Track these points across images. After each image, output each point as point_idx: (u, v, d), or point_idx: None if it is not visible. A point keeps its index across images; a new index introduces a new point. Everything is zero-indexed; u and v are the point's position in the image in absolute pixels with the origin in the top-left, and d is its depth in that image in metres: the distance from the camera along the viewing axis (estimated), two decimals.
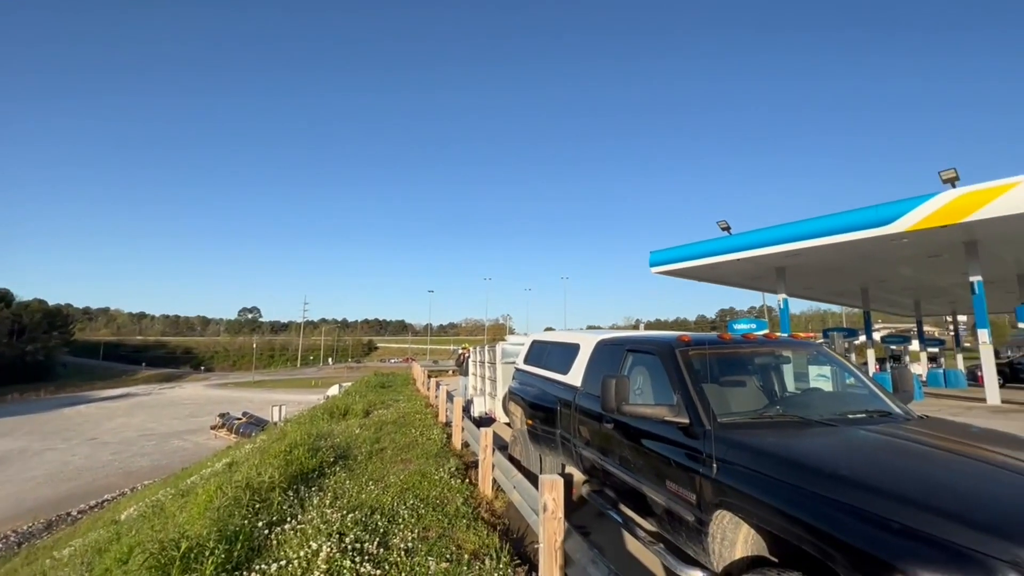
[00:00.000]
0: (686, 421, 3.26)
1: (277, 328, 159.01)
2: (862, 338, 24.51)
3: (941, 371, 21.31)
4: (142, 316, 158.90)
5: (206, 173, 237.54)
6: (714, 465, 2.89)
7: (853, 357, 21.93)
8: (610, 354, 4.73)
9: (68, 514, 20.04)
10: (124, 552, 4.99)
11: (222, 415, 37.75)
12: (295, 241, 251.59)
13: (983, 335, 13.59)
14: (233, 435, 32.77)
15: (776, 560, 2.71)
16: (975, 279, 13.86)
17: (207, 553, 3.51)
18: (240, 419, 35.92)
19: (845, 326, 36.20)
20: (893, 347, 23.01)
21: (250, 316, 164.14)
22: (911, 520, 1.98)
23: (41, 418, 46.82)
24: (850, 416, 3.29)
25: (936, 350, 24.30)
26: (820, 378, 4.27)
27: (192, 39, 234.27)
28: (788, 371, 4.11)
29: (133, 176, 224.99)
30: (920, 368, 23.19)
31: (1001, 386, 16.78)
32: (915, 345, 25.34)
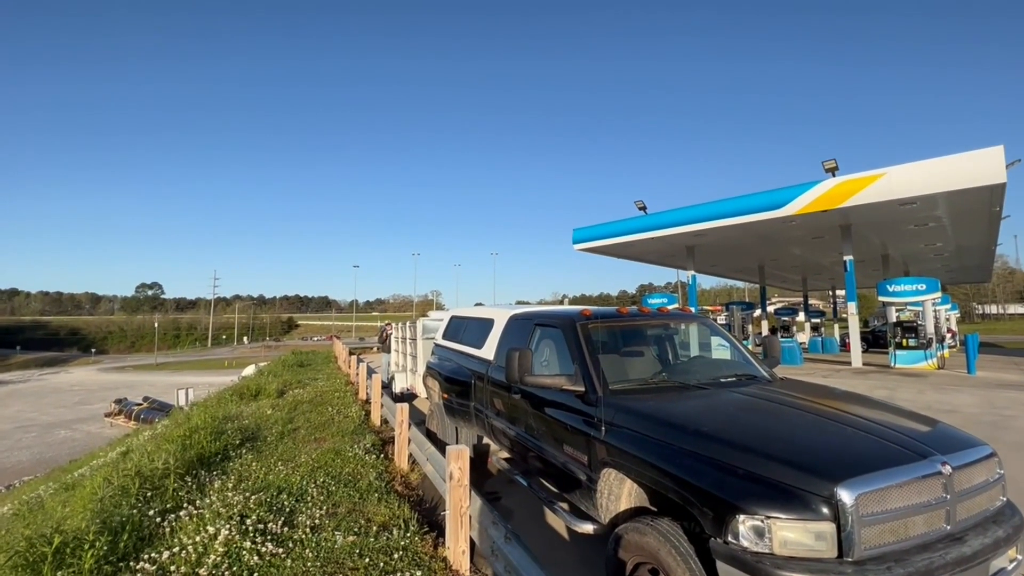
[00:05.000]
0: (582, 389, 3.50)
1: (183, 306, 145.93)
2: (759, 311, 27.14)
3: (820, 339, 24.19)
4: (14, 293, 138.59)
5: (88, 135, 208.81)
6: (603, 428, 3.15)
7: (750, 327, 24.28)
8: (520, 328, 4.91)
9: None
10: None
11: (118, 401, 34.23)
12: (202, 211, 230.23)
13: (851, 307, 15.60)
14: (132, 422, 29.89)
15: (655, 510, 3.03)
16: (847, 258, 15.78)
17: (86, 546, 3.27)
18: (140, 404, 32.81)
19: (747, 300, 39.81)
20: (784, 318, 25.77)
21: (150, 293, 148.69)
22: (751, 465, 2.30)
23: None
24: (722, 380, 3.70)
25: (818, 321, 27.51)
26: (702, 347, 4.73)
27: None
28: (676, 341, 4.51)
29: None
30: (804, 336, 26.15)
31: (865, 351, 19.44)
32: (801, 317, 28.46)
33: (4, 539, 4.76)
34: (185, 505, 4.25)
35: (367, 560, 3.37)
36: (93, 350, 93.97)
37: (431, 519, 4.40)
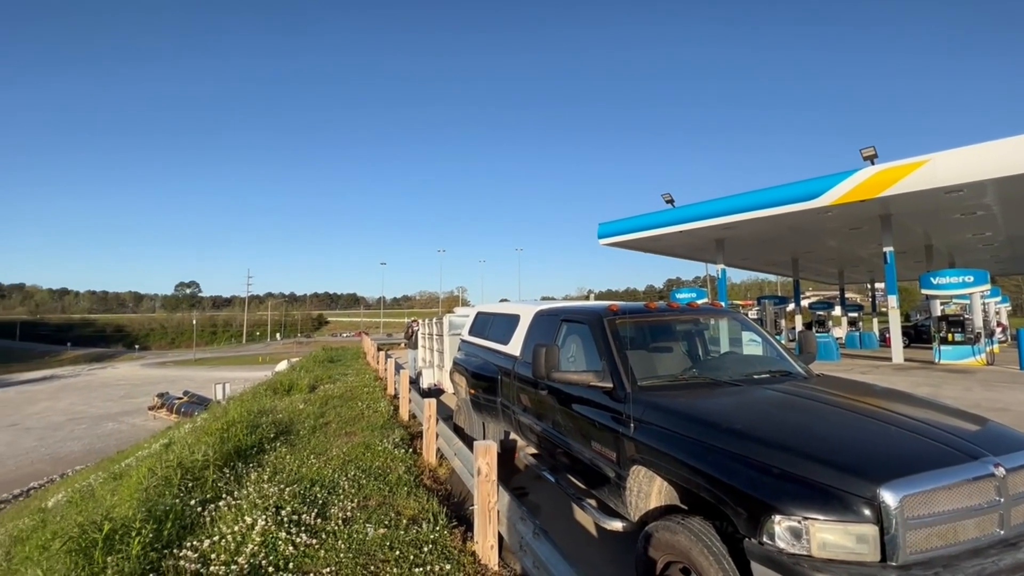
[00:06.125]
0: (610, 385, 3.45)
1: (219, 303, 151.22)
2: (792, 305, 26.32)
3: (858, 334, 23.28)
4: (64, 292, 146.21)
5: (129, 137, 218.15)
6: (632, 425, 3.11)
7: (783, 322, 23.56)
8: (547, 324, 4.89)
9: None
10: (47, 539, 4.78)
11: (161, 395, 35.87)
12: (236, 212, 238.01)
13: (892, 301, 14.95)
14: (174, 415, 31.27)
15: (686, 508, 2.98)
16: (887, 249, 15.12)
17: (133, 533, 3.43)
18: (181, 398, 34.29)
19: (779, 294, 38.60)
20: (819, 313, 24.91)
21: (188, 291, 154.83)
22: (788, 465, 2.23)
23: None
24: (755, 376, 3.59)
25: (856, 315, 26.49)
26: (733, 342, 4.60)
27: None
28: (706, 336, 4.41)
29: (46, 141, 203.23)
30: (841, 331, 25.22)
31: (906, 346, 18.65)
32: (838, 311, 27.44)
33: (60, 525, 5.05)
34: (224, 496, 4.42)
35: (397, 553, 3.43)
36: (136, 346, 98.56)
37: (459, 513, 4.44)
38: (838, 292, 34.07)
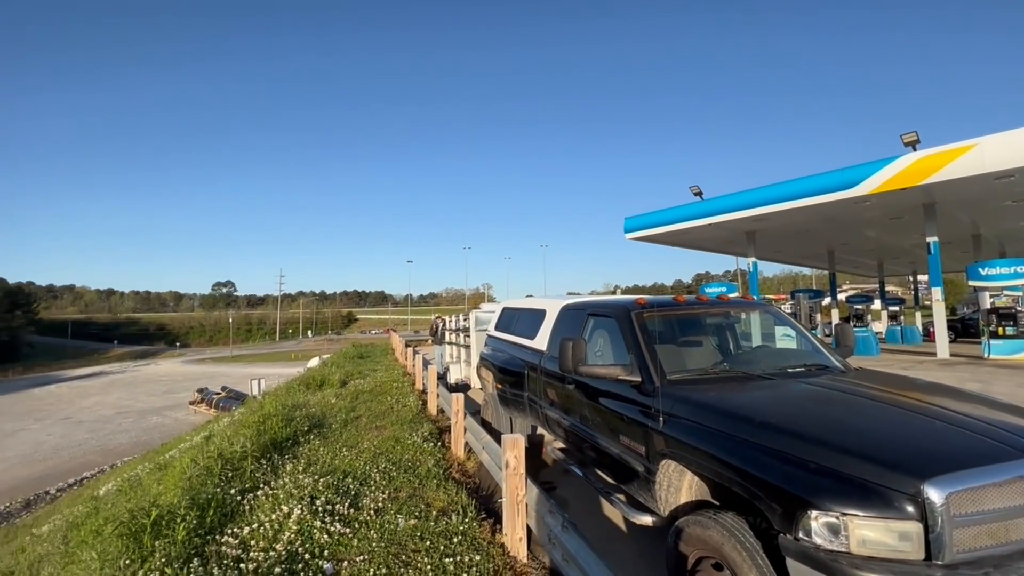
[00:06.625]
0: (639, 379, 3.42)
1: (254, 302, 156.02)
2: (828, 299, 25.41)
3: (899, 328, 22.32)
4: (111, 293, 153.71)
5: (169, 143, 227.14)
6: (661, 419, 3.07)
7: (819, 317, 22.77)
8: (573, 318, 4.87)
9: (47, 492, 19.89)
10: (100, 524, 5.05)
11: (201, 390, 37.39)
12: (269, 213, 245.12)
13: (936, 293, 14.28)
14: (213, 409, 32.56)
15: (718, 503, 2.93)
16: (931, 240, 14.41)
17: (179, 520, 3.60)
18: (219, 393, 35.64)
19: (815, 288, 37.30)
20: (857, 307, 23.92)
21: (225, 290, 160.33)
22: (826, 460, 2.17)
23: (10, 399, 45.58)
24: (789, 370, 3.50)
25: (896, 308, 25.37)
26: (765, 336, 4.49)
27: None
28: (737, 330, 4.31)
29: (93, 149, 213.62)
30: (880, 326, 24.24)
31: (952, 340, 17.78)
32: (877, 304, 26.36)
33: (112, 512, 5.32)
34: (261, 485, 4.59)
35: (428, 543, 3.49)
36: (177, 344, 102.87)
37: (488, 506, 4.48)
38: (877, 285, 32.72)
